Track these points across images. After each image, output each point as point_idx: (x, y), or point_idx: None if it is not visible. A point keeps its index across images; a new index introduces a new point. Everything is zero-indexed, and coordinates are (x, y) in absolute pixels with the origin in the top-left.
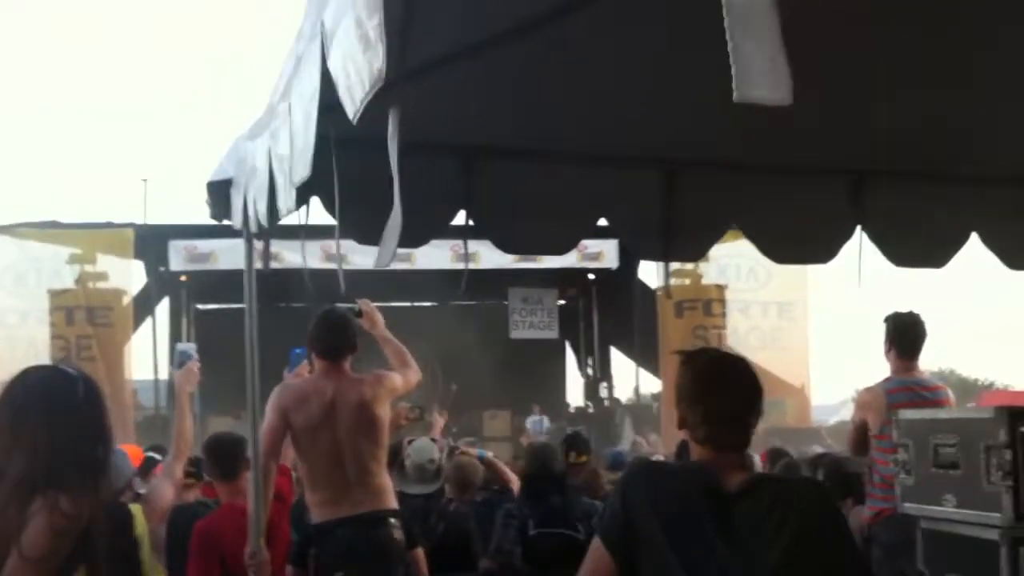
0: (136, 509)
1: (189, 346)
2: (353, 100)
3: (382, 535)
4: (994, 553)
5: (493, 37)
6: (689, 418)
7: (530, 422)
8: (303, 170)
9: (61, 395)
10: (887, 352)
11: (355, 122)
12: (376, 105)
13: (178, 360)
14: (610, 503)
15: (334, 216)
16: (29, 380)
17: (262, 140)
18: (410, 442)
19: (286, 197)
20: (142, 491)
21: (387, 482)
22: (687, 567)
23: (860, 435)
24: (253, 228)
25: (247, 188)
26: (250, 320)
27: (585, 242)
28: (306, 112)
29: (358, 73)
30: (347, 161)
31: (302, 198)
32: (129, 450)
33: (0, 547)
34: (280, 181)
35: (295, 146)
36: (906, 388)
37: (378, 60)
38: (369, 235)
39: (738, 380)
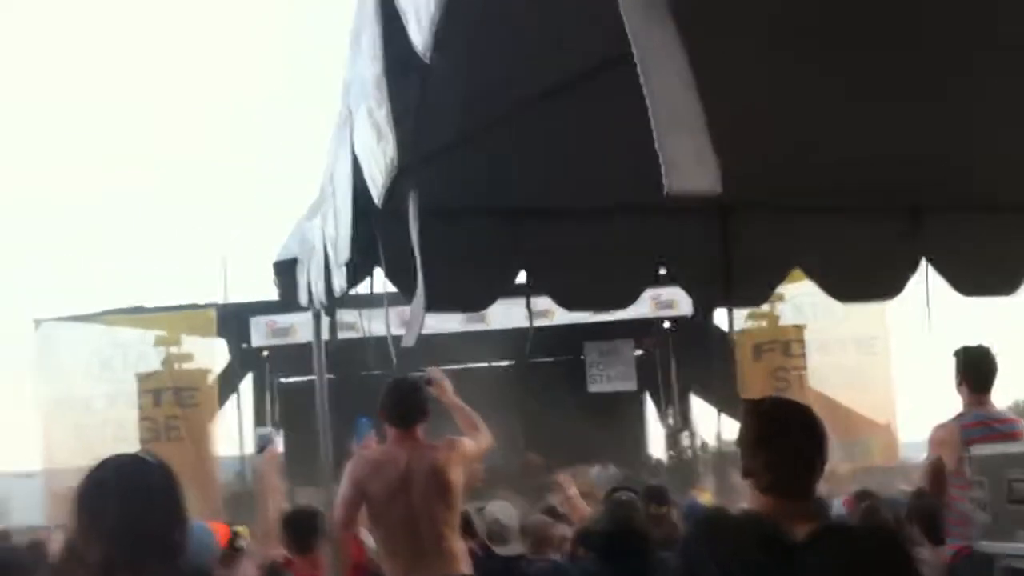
0: None
1: (268, 430)
2: (375, 184)
3: None
4: None
5: (518, 105)
6: (752, 466)
7: (595, 472)
8: (345, 252)
9: (139, 481)
10: (959, 387)
11: (380, 205)
12: (431, 178)
13: (258, 444)
14: (674, 561)
15: (399, 288)
16: (108, 467)
17: (317, 220)
18: (480, 510)
19: (339, 276)
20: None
21: (461, 546)
22: None
23: (936, 474)
24: (317, 305)
25: (309, 267)
26: (321, 392)
27: (658, 291)
28: (344, 195)
29: (375, 160)
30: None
31: (366, 270)
32: (215, 527)
33: None
34: (333, 260)
35: (339, 228)
36: (980, 423)
37: (390, 149)
38: (438, 303)
39: (801, 426)
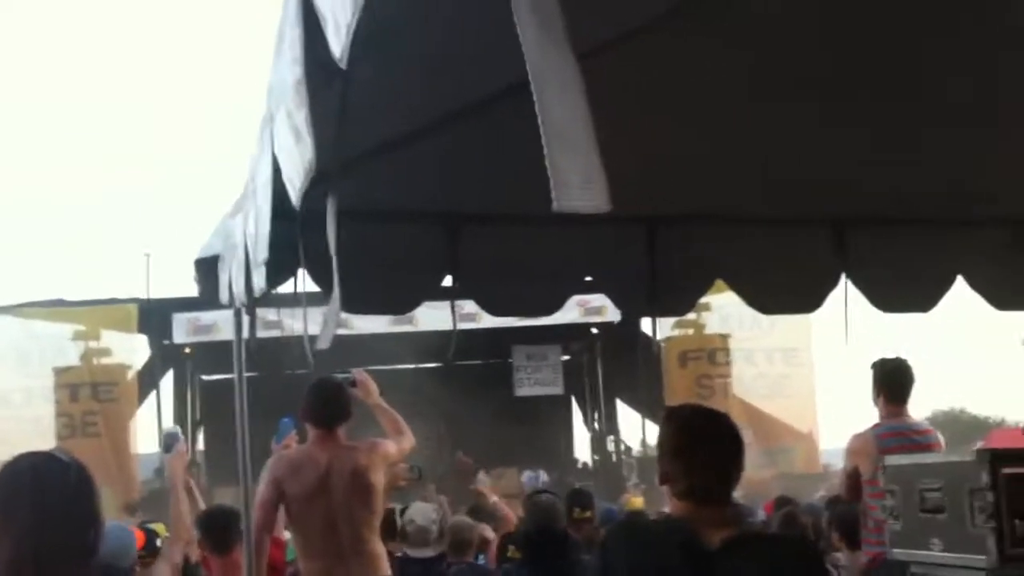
0: None
1: (175, 429)
2: (293, 186)
3: None
4: None
5: (448, 112)
6: (671, 472)
7: (526, 477)
8: (263, 251)
9: (52, 481)
10: (875, 398)
11: (297, 207)
12: (360, 180)
13: (165, 443)
14: (591, 564)
15: (321, 287)
16: (20, 466)
17: (239, 218)
18: (403, 510)
19: (259, 276)
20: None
21: (381, 549)
22: None
23: (852, 482)
24: (237, 303)
25: (231, 264)
26: (240, 391)
27: (587, 297)
28: (264, 195)
29: (293, 163)
30: (341, 234)
31: (289, 270)
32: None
33: None
34: (252, 259)
35: (259, 227)
36: (896, 433)
37: (308, 152)
38: (360, 305)
39: (720, 434)
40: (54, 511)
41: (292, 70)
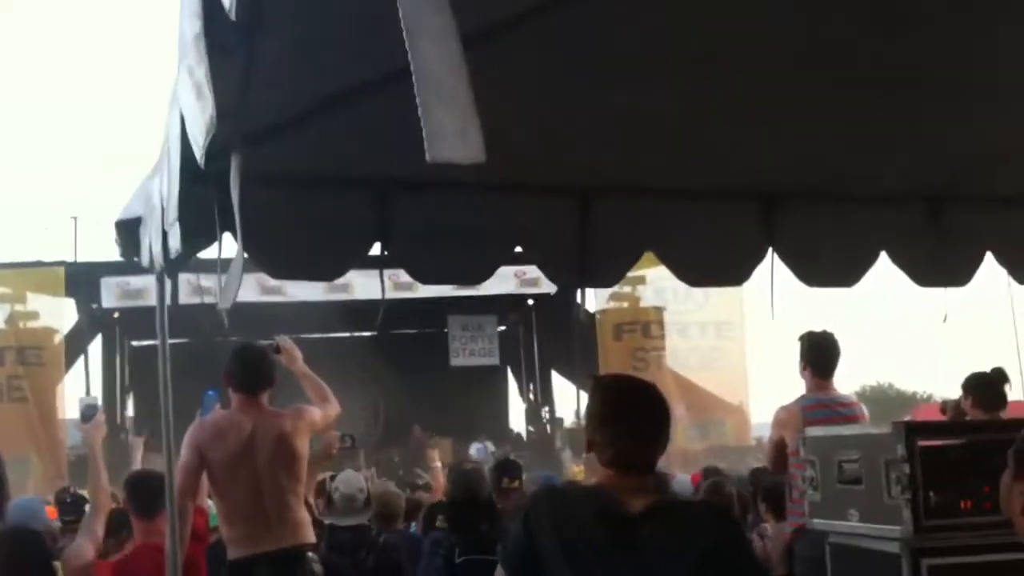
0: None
1: (93, 398)
2: (197, 144)
3: (301, 571)
4: (896, 564)
5: (378, 73)
6: (597, 440)
7: (474, 449)
8: (174, 211)
9: None
10: (802, 371)
11: (202, 165)
12: (282, 145)
13: (84, 413)
14: (513, 529)
15: (245, 252)
16: None
17: (157, 180)
18: (332, 477)
19: (173, 237)
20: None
21: (305, 516)
22: None
23: (778, 453)
24: (157, 267)
25: (150, 227)
26: (163, 357)
27: (523, 268)
28: (175, 153)
29: (196, 119)
30: (256, 196)
31: (210, 233)
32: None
33: None
34: (167, 220)
35: (171, 187)
36: (821, 405)
37: (209, 108)
38: (283, 270)
39: (646, 404)
40: None
41: (191, 24)
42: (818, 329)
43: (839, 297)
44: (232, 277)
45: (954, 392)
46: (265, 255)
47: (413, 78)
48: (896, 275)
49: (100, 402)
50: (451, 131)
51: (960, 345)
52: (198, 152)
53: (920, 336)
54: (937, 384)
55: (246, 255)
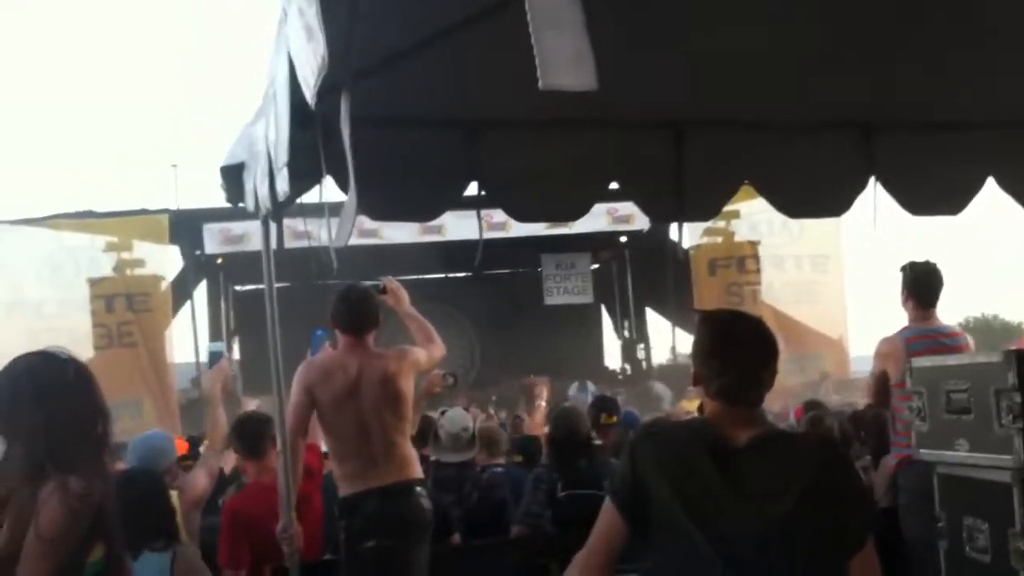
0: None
1: (219, 345)
2: (308, 85)
3: (411, 505)
4: (1008, 494)
5: (468, 16)
6: (703, 373)
7: (574, 389)
8: (283, 155)
9: (52, 378)
10: (904, 302)
11: (313, 106)
12: (379, 86)
13: (210, 359)
14: (620, 464)
15: (348, 192)
16: (18, 368)
17: (260, 125)
18: (443, 412)
19: (281, 180)
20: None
21: (412, 453)
22: (697, 523)
23: (881, 385)
24: (263, 211)
25: (255, 172)
26: (270, 301)
27: (615, 205)
28: (282, 98)
29: (307, 61)
30: (360, 137)
31: (314, 176)
32: (177, 439)
33: (17, 530)
34: (274, 164)
35: (279, 132)
36: (924, 336)
37: (320, 48)
38: (383, 211)
39: (753, 337)
40: (57, 408)
41: None
42: (919, 260)
43: (939, 227)
44: (346, 217)
45: None
46: (367, 196)
47: (526, 5)
48: (1000, 203)
49: (224, 348)
50: (564, 58)
51: None
52: (309, 93)
53: None
54: None
55: (355, 196)
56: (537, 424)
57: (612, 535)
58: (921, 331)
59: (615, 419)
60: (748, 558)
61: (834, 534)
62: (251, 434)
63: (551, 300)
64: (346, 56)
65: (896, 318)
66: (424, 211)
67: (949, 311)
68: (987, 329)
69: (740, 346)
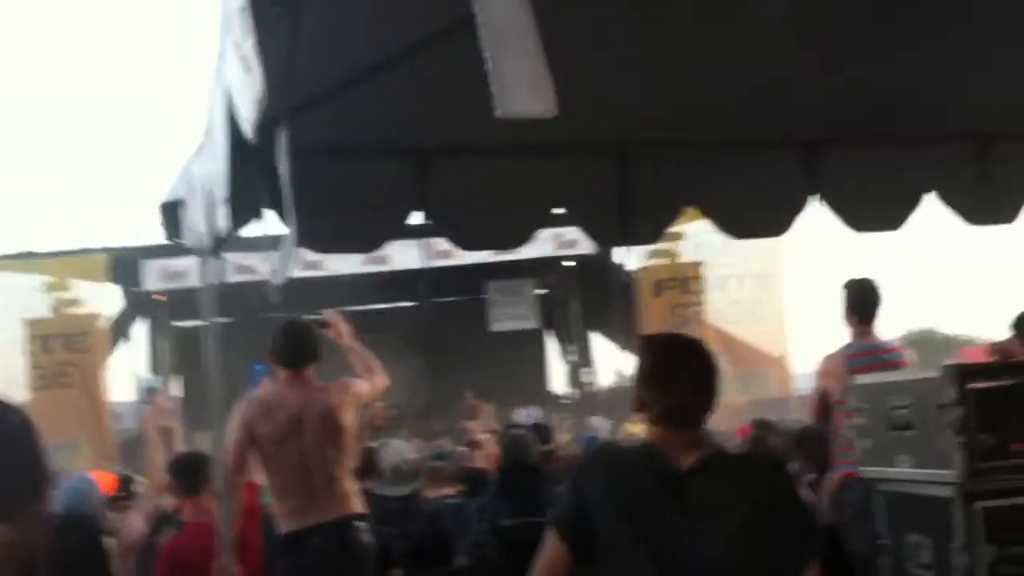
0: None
1: (155, 379)
2: (246, 119)
3: (353, 540)
4: (949, 509)
5: (410, 45)
6: (646, 399)
7: (525, 415)
8: (223, 190)
9: None
10: (846, 319)
11: (252, 140)
12: (321, 116)
13: (144, 396)
14: (564, 491)
15: (287, 226)
16: None
17: (202, 159)
18: (384, 444)
19: (221, 215)
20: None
21: (354, 487)
22: (644, 548)
23: (823, 402)
24: (202, 247)
25: (194, 207)
26: (210, 336)
27: (560, 230)
28: (221, 131)
29: (245, 93)
30: (299, 169)
31: (254, 210)
32: (101, 477)
33: None
34: (214, 199)
35: (218, 166)
36: (865, 353)
37: (258, 83)
38: (326, 243)
39: (694, 360)
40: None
41: None
42: (859, 277)
43: (876, 245)
44: (285, 252)
45: (995, 333)
46: (309, 227)
47: (480, 33)
48: (939, 219)
49: (159, 383)
50: (523, 84)
51: (1004, 287)
52: (247, 127)
53: (963, 280)
54: (981, 327)
55: (293, 228)
56: (482, 458)
57: (555, 563)
58: (862, 347)
59: (552, 446)
60: None
61: (782, 554)
62: (188, 472)
63: (496, 326)
64: (285, 87)
65: (837, 335)
66: (368, 241)
67: (890, 325)
68: (926, 343)
69: (681, 369)
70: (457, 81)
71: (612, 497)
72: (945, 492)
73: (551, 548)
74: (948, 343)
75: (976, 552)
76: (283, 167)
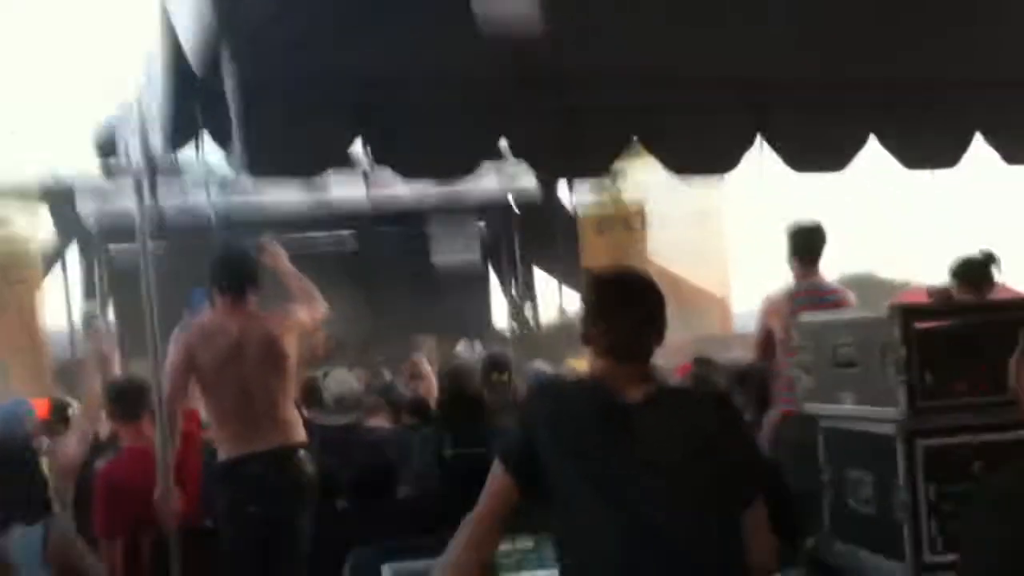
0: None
1: (94, 307)
2: (191, 44)
3: (293, 469)
4: (891, 447)
5: None
6: (593, 332)
7: (462, 346)
8: (160, 110)
9: None
10: (790, 260)
11: (197, 70)
12: (267, 42)
13: (85, 321)
14: (512, 425)
15: (223, 149)
16: None
17: (141, 83)
18: (325, 374)
19: (156, 136)
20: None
21: (295, 416)
22: (591, 482)
23: (766, 341)
24: (136, 167)
25: (131, 130)
26: (145, 260)
27: (503, 165)
28: (165, 57)
29: (188, 19)
30: (242, 94)
31: (191, 131)
32: (35, 402)
33: None
34: (150, 120)
35: (158, 90)
36: (807, 292)
37: (204, 8)
38: (264, 167)
39: (640, 294)
40: None
41: None
42: (803, 218)
43: (821, 186)
44: (224, 177)
45: (937, 279)
46: (250, 153)
47: None
48: (882, 161)
49: (99, 312)
50: None
51: (944, 232)
52: (193, 56)
53: (902, 224)
54: (919, 272)
55: (235, 152)
56: (426, 387)
57: (502, 497)
58: (804, 287)
59: (506, 376)
60: (643, 514)
61: (730, 490)
62: (126, 398)
63: (439, 259)
64: (231, 15)
65: (779, 275)
66: (307, 167)
67: (828, 267)
68: (864, 286)
69: (628, 303)
70: (406, 8)
71: (559, 430)
72: (887, 430)
73: (498, 482)
74: (885, 287)
75: (916, 489)
76: (228, 93)
